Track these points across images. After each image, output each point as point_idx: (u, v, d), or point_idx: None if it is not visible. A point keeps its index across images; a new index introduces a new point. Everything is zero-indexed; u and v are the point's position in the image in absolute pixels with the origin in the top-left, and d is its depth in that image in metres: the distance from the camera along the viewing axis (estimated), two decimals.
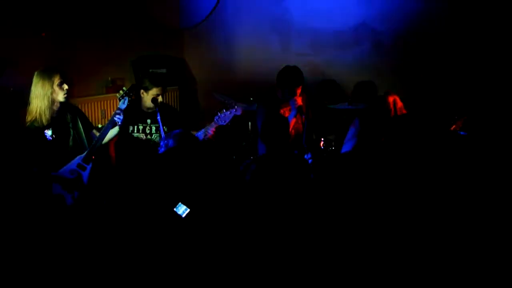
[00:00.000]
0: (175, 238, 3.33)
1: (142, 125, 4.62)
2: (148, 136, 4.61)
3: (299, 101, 4.81)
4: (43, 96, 4.07)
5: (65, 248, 3.42)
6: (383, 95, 4.61)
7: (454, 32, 5.40)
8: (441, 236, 3.45)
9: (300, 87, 4.84)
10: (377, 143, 4.58)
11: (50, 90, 4.07)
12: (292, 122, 4.91)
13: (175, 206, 3.40)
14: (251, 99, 5.57)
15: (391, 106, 4.52)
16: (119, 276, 3.16)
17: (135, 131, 4.61)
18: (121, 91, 4.29)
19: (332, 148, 4.89)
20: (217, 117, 4.51)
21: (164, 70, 6.44)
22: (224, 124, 4.53)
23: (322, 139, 4.86)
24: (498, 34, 5.17)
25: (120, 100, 4.27)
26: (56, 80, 4.09)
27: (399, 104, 4.57)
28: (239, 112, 4.52)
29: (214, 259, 3.23)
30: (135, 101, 4.61)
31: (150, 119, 4.59)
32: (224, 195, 3.79)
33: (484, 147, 4.37)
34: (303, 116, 4.90)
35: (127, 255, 3.26)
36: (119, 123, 4.25)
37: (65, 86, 4.13)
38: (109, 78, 6.05)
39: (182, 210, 3.41)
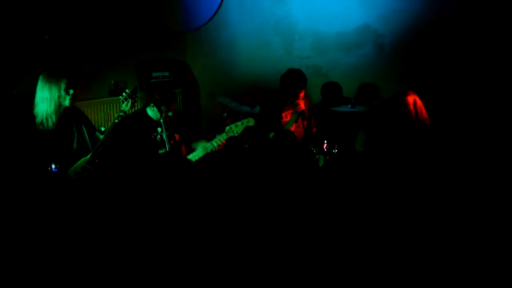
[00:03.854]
0: (175, 238, 3.34)
1: (153, 134, 4.61)
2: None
3: (302, 105, 4.81)
4: (50, 100, 4.09)
5: (66, 247, 3.43)
6: (400, 94, 4.43)
7: (456, 33, 5.39)
8: (441, 236, 3.45)
9: (303, 90, 4.84)
10: (388, 143, 4.50)
11: (57, 94, 4.09)
12: (293, 126, 4.91)
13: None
14: (253, 101, 5.58)
15: (411, 106, 4.32)
16: (119, 276, 3.17)
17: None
18: (124, 93, 4.30)
19: (335, 150, 4.88)
20: (228, 128, 4.49)
21: (167, 73, 6.45)
22: (237, 135, 4.50)
23: (326, 141, 4.85)
24: (499, 35, 5.16)
25: (123, 102, 4.28)
26: (63, 85, 4.10)
27: (419, 103, 4.36)
28: (251, 124, 4.49)
29: (214, 259, 3.24)
30: (142, 111, 4.61)
31: (160, 128, 4.56)
32: (226, 197, 3.80)
33: (483, 148, 4.37)
34: (305, 121, 4.90)
35: (127, 255, 3.27)
36: None
37: (71, 91, 4.15)
38: (112, 82, 6.05)
39: None
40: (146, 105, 4.56)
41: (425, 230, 3.55)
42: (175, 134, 4.64)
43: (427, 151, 4.17)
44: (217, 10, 6.55)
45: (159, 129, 4.57)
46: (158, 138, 4.57)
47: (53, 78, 4.11)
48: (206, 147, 4.52)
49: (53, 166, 3.81)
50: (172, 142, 4.57)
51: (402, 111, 4.30)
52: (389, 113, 4.42)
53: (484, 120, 5.08)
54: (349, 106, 5.14)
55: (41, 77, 4.15)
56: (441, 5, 5.46)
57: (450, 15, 5.41)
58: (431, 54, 5.57)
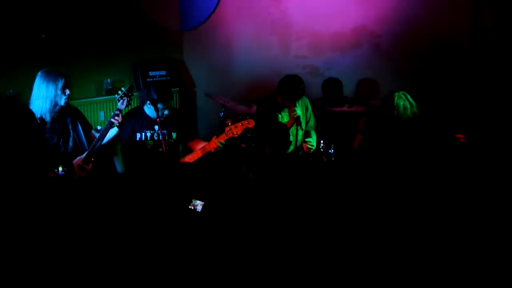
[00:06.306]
0: (176, 237, 3.34)
1: (150, 132, 4.62)
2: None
3: (298, 111, 4.82)
4: (46, 98, 4.08)
5: (68, 246, 3.42)
6: (390, 95, 4.60)
7: (453, 34, 5.41)
8: (440, 236, 3.45)
9: (300, 98, 4.86)
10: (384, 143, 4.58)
11: (53, 93, 4.07)
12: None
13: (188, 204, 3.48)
14: (250, 101, 5.57)
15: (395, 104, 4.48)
16: (121, 275, 3.16)
17: (143, 138, 4.61)
18: (119, 92, 4.30)
19: (331, 150, 4.89)
20: (228, 129, 4.50)
21: (163, 72, 6.44)
22: (236, 136, 4.52)
23: (322, 141, 4.86)
24: (498, 34, 5.18)
25: (118, 100, 4.28)
26: (61, 84, 4.09)
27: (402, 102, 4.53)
28: (251, 125, 4.50)
29: (216, 258, 3.24)
30: (140, 109, 4.62)
31: (158, 125, 4.57)
32: (224, 196, 3.80)
33: (484, 151, 4.39)
34: (299, 126, 4.90)
35: (129, 254, 3.27)
36: (117, 124, 4.25)
37: (68, 91, 4.14)
38: (109, 81, 6.05)
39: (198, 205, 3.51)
40: (143, 103, 4.58)
41: (421, 228, 3.56)
42: (172, 133, 4.65)
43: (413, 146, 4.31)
44: (214, 9, 6.54)
45: (156, 127, 4.59)
46: (155, 136, 4.59)
47: (51, 76, 4.10)
48: (204, 148, 4.53)
49: (60, 168, 3.80)
50: (169, 140, 4.59)
51: (388, 110, 4.51)
52: (380, 113, 4.66)
53: (481, 118, 5.10)
54: (346, 105, 5.15)
55: (39, 74, 4.13)
56: (437, 6, 5.48)
57: (446, 15, 5.43)
58: (428, 55, 5.59)
